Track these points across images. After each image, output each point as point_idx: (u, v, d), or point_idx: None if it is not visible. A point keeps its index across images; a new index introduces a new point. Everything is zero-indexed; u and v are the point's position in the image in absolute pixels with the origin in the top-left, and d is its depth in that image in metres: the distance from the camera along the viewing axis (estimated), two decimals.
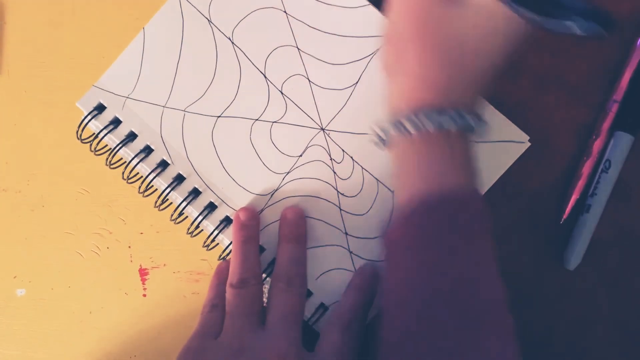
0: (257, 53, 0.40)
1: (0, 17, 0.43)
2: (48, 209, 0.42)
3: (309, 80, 0.39)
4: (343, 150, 0.39)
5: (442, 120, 0.30)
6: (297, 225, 0.38)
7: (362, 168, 0.39)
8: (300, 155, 0.39)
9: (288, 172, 0.39)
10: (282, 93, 0.40)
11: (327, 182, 0.39)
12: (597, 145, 0.39)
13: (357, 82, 0.39)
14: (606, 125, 0.39)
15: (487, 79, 0.31)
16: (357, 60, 0.39)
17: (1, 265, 0.42)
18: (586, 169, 0.39)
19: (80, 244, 0.42)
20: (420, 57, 0.31)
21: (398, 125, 0.31)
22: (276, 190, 0.39)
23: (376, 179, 0.39)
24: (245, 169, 0.39)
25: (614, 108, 0.39)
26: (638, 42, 0.39)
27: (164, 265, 0.41)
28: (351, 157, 0.39)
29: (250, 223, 0.38)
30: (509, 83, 0.40)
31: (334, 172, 0.39)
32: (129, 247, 0.41)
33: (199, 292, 0.41)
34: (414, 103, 0.31)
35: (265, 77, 0.40)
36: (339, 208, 0.39)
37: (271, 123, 0.40)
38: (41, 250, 0.42)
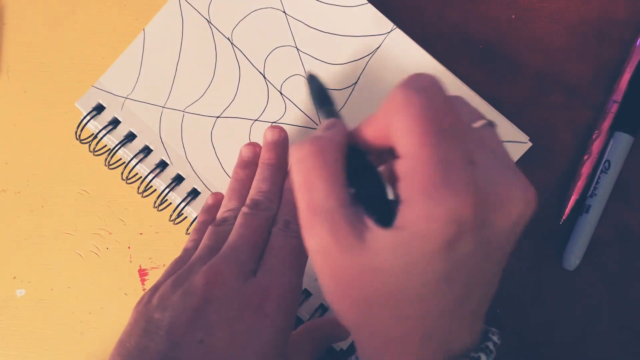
0: (256, 53, 0.40)
1: (0, 17, 0.43)
2: (47, 209, 0.42)
3: None
4: None
5: None
6: (273, 147, 0.36)
7: None
8: None
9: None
10: (281, 93, 0.40)
11: None
12: (597, 145, 0.39)
13: (356, 82, 0.39)
14: (606, 125, 0.39)
15: (446, 324, 0.24)
16: (356, 60, 0.39)
17: (1, 265, 0.42)
18: (586, 169, 0.39)
19: (80, 244, 0.42)
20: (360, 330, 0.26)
21: None
22: None
23: None
24: None
25: (614, 108, 0.39)
26: (638, 42, 0.39)
27: (164, 265, 0.41)
28: None
29: (251, 160, 0.36)
30: (509, 83, 0.40)
31: None
32: (129, 247, 0.42)
33: None
34: None
35: (264, 77, 0.40)
36: None
37: (270, 124, 0.40)
38: (41, 251, 0.42)
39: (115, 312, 0.41)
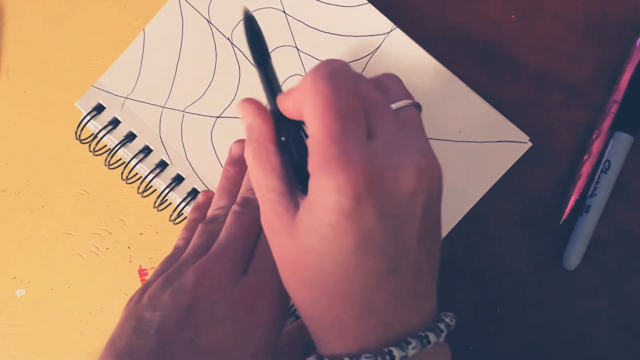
0: None
1: (0, 17, 0.43)
2: (47, 209, 0.42)
3: None
4: None
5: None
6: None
7: None
8: None
9: None
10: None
11: None
12: (596, 145, 0.39)
13: None
14: (606, 125, 0.39)
15: (378, 302, 0.25)
16: (357, 59, 0.39)
17: (1, 265, 0.42)
18: (586, 169, 0.39)
19: (80, 244, 0.42)
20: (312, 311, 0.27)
21: None
22: None
23: None
24: None
25: (614, 108, 0.39)
26: (638, 42, 0.39)
27: None
28: None
29: (241, 157, 0.36)
30: (509, 83, 0.40)
31: None
32: (129, 247, 0.41)
33: None
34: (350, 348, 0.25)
35: None
36: None
37: None
38: (41, 251, 0.42)
39: (115, 312, 0.41)
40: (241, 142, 0.37)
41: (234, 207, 0.33)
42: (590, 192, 0.39)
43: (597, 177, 0.39)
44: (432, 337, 0.25)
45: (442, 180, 0.26)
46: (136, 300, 0.30)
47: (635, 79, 0.39)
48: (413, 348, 0.25)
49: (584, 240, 0.39)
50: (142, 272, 0.41)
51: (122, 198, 0.42)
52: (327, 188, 0.23)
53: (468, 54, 0.41)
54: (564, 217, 0.39)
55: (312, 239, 0.24)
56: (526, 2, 0.41)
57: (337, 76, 0.24)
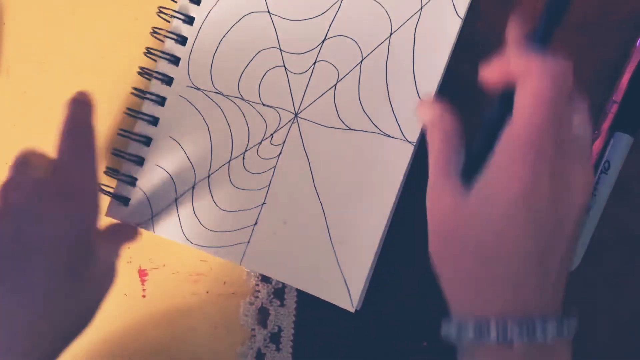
0: None
1: (0, 17, 0.43)
2: None
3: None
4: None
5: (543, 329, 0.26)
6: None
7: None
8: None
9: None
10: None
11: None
12: (596, 145, 0.39)
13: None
14: (606, 125, 0.39)
15: (533, 274, 0.28)
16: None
17: None
18: None
19: None
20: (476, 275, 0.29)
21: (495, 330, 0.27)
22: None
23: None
24: None
25: (614, 108, 0.39)
26: (638, 42, 0.39)
27: (164, 266, 0.41)
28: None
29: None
30: None
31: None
32: (128, 247, 0.41)
33: (199, 293, 0.41)
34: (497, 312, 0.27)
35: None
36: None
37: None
38: None
39: (115, 312, 0.41)
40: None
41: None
42: None
43: (597, 177, 0.39)
44: (551, 327, 0.27)
45: None
46: None
47: (635, 79, 0.39)
48: (553, 330, 0.27)
49: (584, 241, 0.39)
50: (142, 273, 0.41)
51: None
52: (513, 166, 0.27)
53: (468, 54, 0.41)
54: None
55: (488, 210, 0.28)
56: (526, 2, 0.40)
57: (564, 77, 0.28)
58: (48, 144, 0.42)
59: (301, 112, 0.39)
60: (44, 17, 0.43)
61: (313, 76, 0.39)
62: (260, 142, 0.39)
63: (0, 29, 0.43)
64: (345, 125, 0.38)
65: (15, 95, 0.43)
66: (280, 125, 0.39)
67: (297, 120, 0.39)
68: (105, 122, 0.41)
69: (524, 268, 0.27)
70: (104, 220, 0.38)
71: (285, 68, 0.39)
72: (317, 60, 0.39)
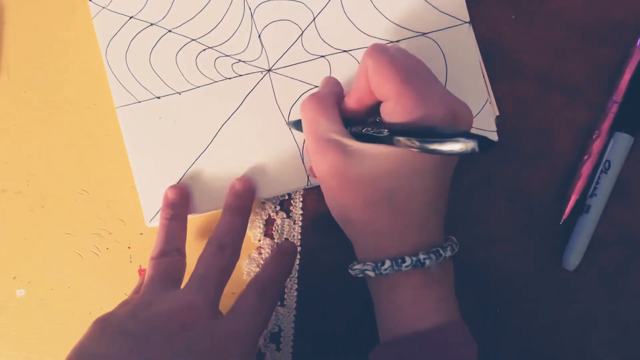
0: None
1: (0, 17, 0.43)
2: (47, 209, 0.42)
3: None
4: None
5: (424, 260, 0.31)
6: (243, 198, 0.38)
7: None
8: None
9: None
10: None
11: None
12: (597, 145, 0.39)
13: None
14: (606, 125, 0.39)
15: (431, 217, 0.32)
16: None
17: (1, 265, 0.42)
18: (586, 169, 0.39)
19: (80, 244, 0.42)
20: (361, 216, 0.32)
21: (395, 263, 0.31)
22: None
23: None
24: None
25: (614, 108, 0.39)
26: (638, 43, 0.39)
27: None
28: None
29: (178, 201, 0.38)
30: (509, 83, 0.40)
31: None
32: (129, 247, 0.41)
33: None
34: (390, 251, 0.31)
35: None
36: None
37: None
38: (41, 251, 0.42)
39: None
40: (175, 187, 0.39)
41: (210, 248, 0.35)
42: (590, 192, 0.39)
43: (597, 177, 0.39)
44: (448, 252, 0.32)
45: None
46: (113, 315, 0.32)
47: (635, 79, 0.39)
48: (450, 252, 0.32)
49: (584, 240, 0.39)
50: (142, 272, 0.41)
51: (122, 198, 0.42)
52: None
53: None
54: (564, 217, 0.39)
55: (390, 167, 0.30)
56: (526, 2, 0.41)
57: (392, 48, 0.32)
58: (48, 144, 0.42)
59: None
60: (44, 17, 0.43)
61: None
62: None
63: (0, 29, 0.43)
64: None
65: (15, 95, 0.43)
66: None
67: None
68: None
69: (427, 214, 0.31)
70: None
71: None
72: None
